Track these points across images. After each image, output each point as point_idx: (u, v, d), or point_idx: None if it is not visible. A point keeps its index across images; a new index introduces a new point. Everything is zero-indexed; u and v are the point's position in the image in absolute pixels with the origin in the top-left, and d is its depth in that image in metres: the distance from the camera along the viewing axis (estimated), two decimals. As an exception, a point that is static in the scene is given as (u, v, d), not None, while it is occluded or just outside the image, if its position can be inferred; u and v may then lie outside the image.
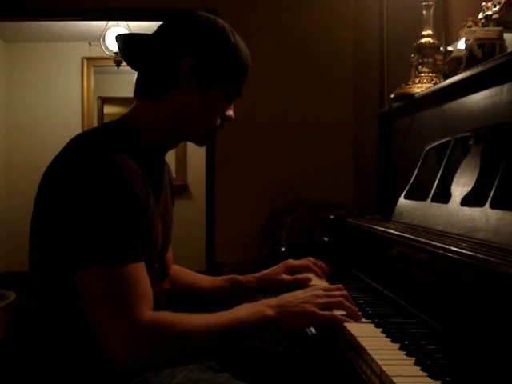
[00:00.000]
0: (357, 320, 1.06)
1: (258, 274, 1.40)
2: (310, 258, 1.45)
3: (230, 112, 1.18)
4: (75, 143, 1.05)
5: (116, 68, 4.68)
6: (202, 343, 1.00)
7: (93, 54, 5.53)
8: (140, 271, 0.98)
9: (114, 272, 0.94)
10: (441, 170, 1.36)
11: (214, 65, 1.11)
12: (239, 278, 1.39)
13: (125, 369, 0.95)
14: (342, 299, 1.08)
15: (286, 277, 1.39)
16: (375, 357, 0.84)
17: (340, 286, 1.17)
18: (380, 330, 0.99)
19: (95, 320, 0.96)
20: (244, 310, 1.05)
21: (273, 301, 1.08)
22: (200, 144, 1.21)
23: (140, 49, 1.14)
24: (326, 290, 1.13)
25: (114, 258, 0.95)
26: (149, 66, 1.14)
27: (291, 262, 1.42)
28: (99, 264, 0.94)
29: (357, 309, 1.09)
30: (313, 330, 1.22)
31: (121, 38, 1.16)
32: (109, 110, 6.18)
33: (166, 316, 0.99)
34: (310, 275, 1.39)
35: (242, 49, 1.15)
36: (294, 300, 1.07)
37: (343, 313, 1.07)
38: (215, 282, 1.41)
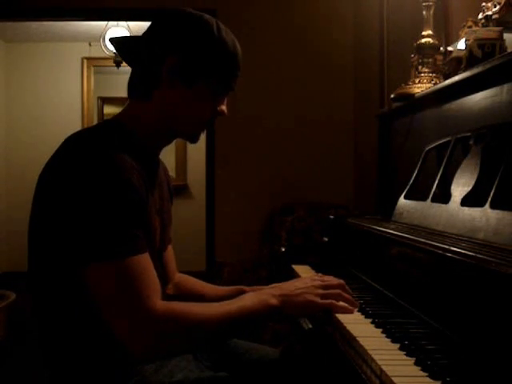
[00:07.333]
0: (355, 307, 1.11)
1: (267, 287, 1.37)
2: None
3: (222, 107, 1.17)
4: (71, 141, 1.06)
5: (116, 68, 4.68)
6: (212, 331, 1.02)
7: (93, 54, 5.53)
8: (146, 262, 0.99)
9: (123, 264, 0.95)
10: (441, 170, 1.36)
11: (196, 62, 1.11)
12: (246, 289, 1.36)
13: (139, 358, 0.97)
14: (340, 291, 1.13)
15: None
16: (375, 357, 0.84)
17: (342, 281, 1.18)
18: (380, 330, 0.99)
19: (108, 313, 0.96)
20: (249, 299, 1.08)
21: (275, 290, 1.11)
22: (191, 141, 1.20)
23: (129, 48, 1.16)
24: (323, 280, 1.16)
25: (120, 250, 0.95)
26: (134, 65, 1.15)
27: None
28: (107, 258, 0.95)
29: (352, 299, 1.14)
30: (309, 325, 1.23)
31: (112, 41, 1.18)
32: (109, 110, 6.16)
33: (178, 305, 1.01)
34: None
35: (229, 43, 1.13)
36: (296, 290, 1.10)
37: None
38: (221, 292, 1.40)
